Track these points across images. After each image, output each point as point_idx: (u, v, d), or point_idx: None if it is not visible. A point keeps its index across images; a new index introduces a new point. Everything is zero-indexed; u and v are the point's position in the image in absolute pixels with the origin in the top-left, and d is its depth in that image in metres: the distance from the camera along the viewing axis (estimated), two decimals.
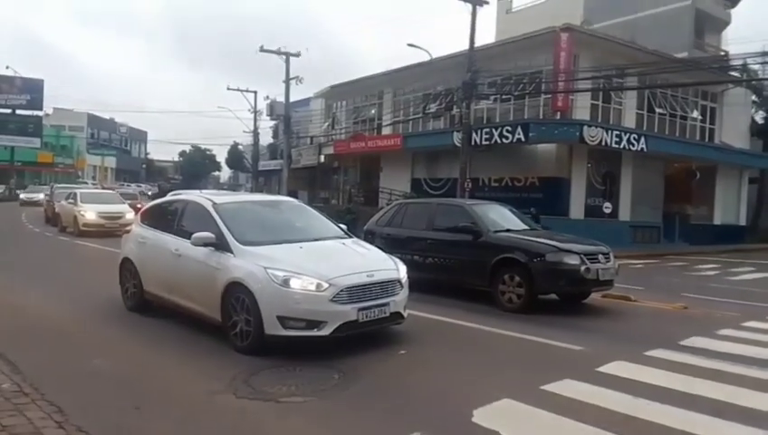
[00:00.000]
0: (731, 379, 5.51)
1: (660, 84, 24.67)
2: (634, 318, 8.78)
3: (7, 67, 50.81)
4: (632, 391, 5.00)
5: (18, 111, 50.12)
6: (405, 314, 6.59)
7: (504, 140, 22.29)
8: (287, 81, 34.27)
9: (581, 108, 22.77)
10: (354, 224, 16.38)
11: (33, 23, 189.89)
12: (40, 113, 52.89)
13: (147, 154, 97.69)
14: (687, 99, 26.99)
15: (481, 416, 4.43)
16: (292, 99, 35.48)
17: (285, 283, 5.78)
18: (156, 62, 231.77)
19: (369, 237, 10.42)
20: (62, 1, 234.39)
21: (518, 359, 6.27)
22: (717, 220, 28.82)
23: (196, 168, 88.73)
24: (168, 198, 8.53)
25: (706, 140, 28.00)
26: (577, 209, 22.79)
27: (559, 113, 22.38)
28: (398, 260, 6.88)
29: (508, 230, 9.70)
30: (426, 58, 24.13)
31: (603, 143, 21.80)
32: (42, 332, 6.83)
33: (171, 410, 4.56)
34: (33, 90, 50.45)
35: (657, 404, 4.72)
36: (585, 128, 21.31)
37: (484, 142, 22.91)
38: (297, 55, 34.13)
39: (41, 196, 39.29)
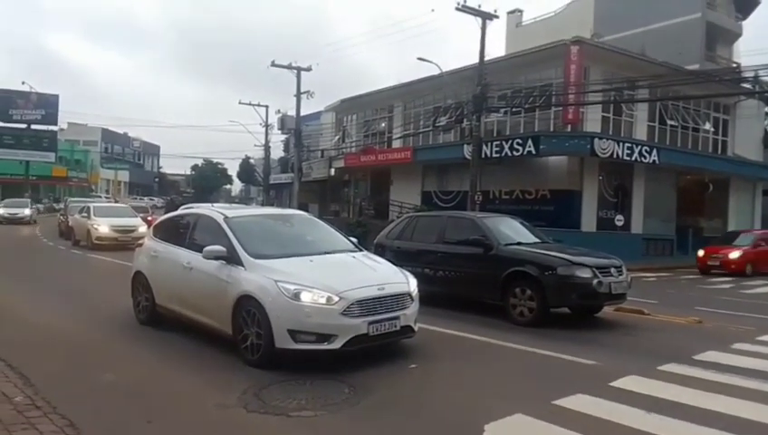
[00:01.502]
0: (746, 394, 5.43)
1: (672, 96, 24.63)
2: (647, 332, 8.69)
3: (23, 83, 51.76)
4: (645, 406, 4.95)
5: (33, 126, 50.69)
6: (416, 328, 6.56)
7: (514, 153, 22.30)
8: (298, 95, 34.51)
9: (592, 120, 22.73)
10: (365, 237, 16.40)
11: (48, 40, 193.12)
12: (54, 128, 53.40)
13: (159, 168, 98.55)
14: (699, 111, 26.87)
15: (492, 431, 4.40)
16: (302, 112, 35.71)
17: (296, 296, 5.79)
18: (168, 78, 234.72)
19: (380, 250, 10.42)
20: (76, 19, 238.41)
21: (530, 373, 6.22)
22: None
23: (208, 181, 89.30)
24: (180, 211, 8.60)
25: (719, 152, 27.84)
26: (589, 222, 22.67)
27: (569, 126, 22.37)
28: (408, 273, 6.87)
29: (519, 243, 9.66)
30: (436, 72, 24.24)
31: (615, 156, 21.74)
32: (54, 345, 6.87)
33: (182, 423, 4.57)
34: (48, 105, 51.05)
35: (670, 419, 4.66)
36: (596, 140, 21.28)
37: (494, 155, 22.93)
38: (308, 70, 34.37)
39: (26, 211, 33.82)
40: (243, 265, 6.31)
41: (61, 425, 4.26)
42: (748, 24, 35.83)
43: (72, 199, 31.81)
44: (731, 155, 28.08)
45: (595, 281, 8.52)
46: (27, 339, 7.08)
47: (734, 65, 31.83)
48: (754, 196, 29.97)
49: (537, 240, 10.15)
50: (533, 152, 21.66)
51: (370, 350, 6.11)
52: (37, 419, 4.35)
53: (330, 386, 5.37)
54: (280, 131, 41.99)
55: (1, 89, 50.18)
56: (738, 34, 35.27)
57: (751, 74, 24.25)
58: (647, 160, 22.97)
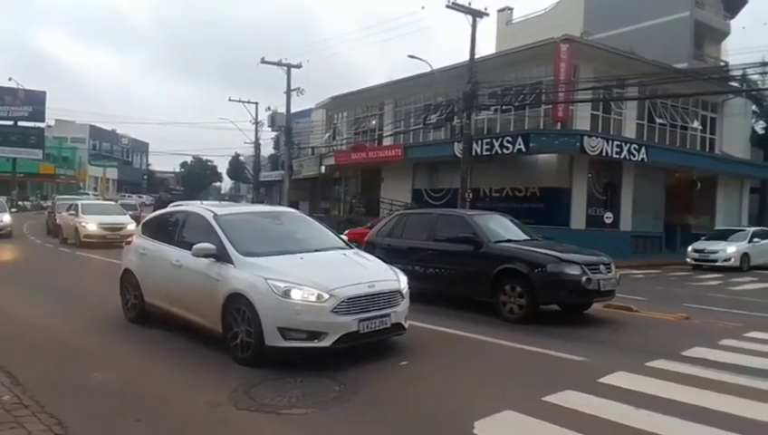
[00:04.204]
0: (733, 389, 5.49)
1: (660, 95, 24.79)
2: (635, 328, 8.75)
3: (10, 79, 51.11)
4: (634, 402, 4.98)
5: (20, 123, 50.21)
6: (406, 325, 6.57)
7: (504, 151, 22.36)
8: (288, 92, 34.43)
9: (582, 118, 22.86)
10: None
11: (36, 37, 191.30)
12: (42, 125, 52.93)
13: (148, 165, 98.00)
14: (688, 109, 27.08)
15: (482, 428, 4.41)
16: (293, 110, 35.65)
17: (286, 294, 5.77)
18: (156, 75, 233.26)
19: (370, 248, 10.41)
20: (63, 16, 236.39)
21: (519, 370, 6.25)
22: None
23: (198, 179, 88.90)
24: (169, 209, 8.54)
25: (707, 150, 28.10)
26: (578, 219, 22.80)
27: (559, 124, 22.47)
28: (398, 271, 6.87)
29: (509, 241, 9.69)
30: (426, 69, 24.23)
31: (604, 153, 21.87)
32: (42, 344, 6.81)
33: (172, 422, 4.55)
34: (35, 102, 50.57)
35: (658, 415, 4.70)
36: (585, 138, 21.39)
37: (484, 153, 22.99)
38: (298, 67, 34.32)
39: (5, 218, 23.22)
40: (232, 263, 6.29)
41: (49, 424, 4.23)
42: (736, 24, 36.10)
43: (60, 197, 31.49)
44: (719, 153, 28.33)
45: (584, 278, 8.56)
46: (15, 338, 7.01)
47: (722, 64, 32.06)
48: (742, 193, 30.27)
49: (527, 237, 10.18)
50: (523, 150, 21.73)
51: (361, 347, 6.11)
52: (25, 417, 4.32)
53: (320, 384, 5.37)
54: (270, 129, 41.92)
55: None
56: (726, 33, 35.50)
57: (738, 73, 24.50)
58: (635, 158, 23.12)
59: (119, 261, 8.76)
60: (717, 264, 19.74)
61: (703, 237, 21.97)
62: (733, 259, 19.72)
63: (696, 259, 20.52)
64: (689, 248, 21.05)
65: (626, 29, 31.15)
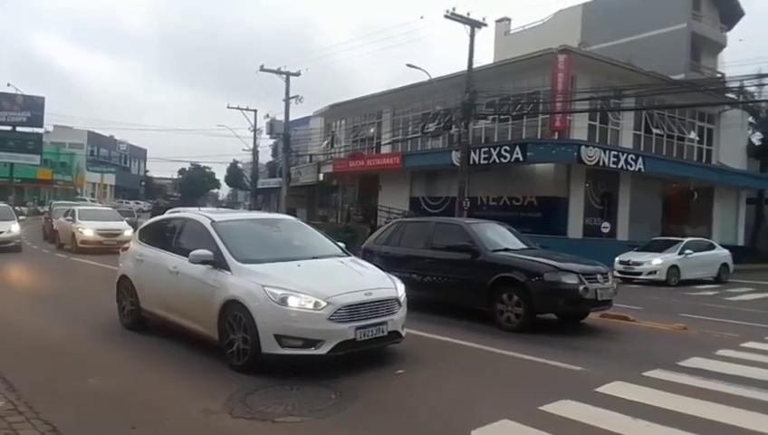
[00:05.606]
0: (730, 400, 5.48)
1: (657, 106, 24.92)
2: (632, 338, 8.75)
3: (8, 84, 50.95)
4: (631, 411, 4.97)
5: (18, 129, 50.11)
6: (403, 333, 6.56)
7: (502, 160, 22.42)
8: (287, 99, 34.48)
9: (579, 128, 22.94)
10: (353, 242, 16.39)
11: (34, 44, 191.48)
12: (40, 130, 52.71)
13: (146, 171, 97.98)
14: (685, 120, 27.21)
15: None
16: (291, 117, 35.65)
17: (283, 301, 5.76)
18: (155, 82, 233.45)
19: (368, 256, 10.41)
20: (62, 23, 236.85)
21: (516, 379, 6.23)
22: (715, 240, 28.70)
23: (195, 185, 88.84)
24: (167, 215, 8.53)
25: (704, 160, 28.20)
26: (575, 229, 22.83)
27: (557, 133, 22.54)
28: (396, 279, 6.86)
29: (506, 249, 9.69)
30: (425, 78, 24.32)
31: (601, 163, 21.93)
32: (38, 350, 6.78)
33: (167, 429, 4.52)
34: (33, 107, 50.43)
35: (656, 425, 4.69)
36: (583, 148, 21.45)
37: (482, 162, 23.04)
38: (297, 75, 34.41)
39: (14, 228, 19.28)
40: (229, 270, 6.27)
41: (43, 430, 4.21)
42: (732, 36, 36.33)
43: (57, 202, 31.41)
44: (715, 164, 28.44)
45: (581, 287, 8.56)
46: (10, 343, 6.98)
47: (719, 75, 32.25)
48: (738, 204, 30.37)
49: (524, 246, 10.19)
50: (521, 159, 21.79)
51: (358, 355, 6.09)
52: (19, 424, 4.29)
53: (316, 392, 5.35)
54: (268, 136, 41.88)
55: None
56: (722, 45, 35.76)
57: (735, 84, 24.62)
58: (632, 168, 23.19)
59: (115, 267, 8.73)
60: (642, 277, 18.20)
61: (634, 248, 20.28)
62: (658, 272, 18.12)
63: (620, 271, 18.50)
64: (616, 259, 19.03)
65: (623, 40, 31.36)
